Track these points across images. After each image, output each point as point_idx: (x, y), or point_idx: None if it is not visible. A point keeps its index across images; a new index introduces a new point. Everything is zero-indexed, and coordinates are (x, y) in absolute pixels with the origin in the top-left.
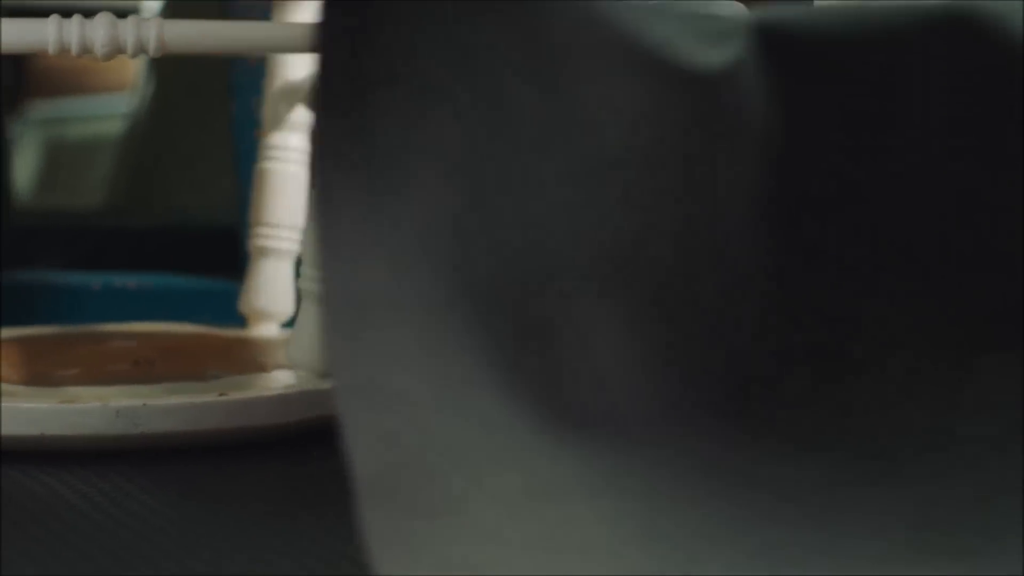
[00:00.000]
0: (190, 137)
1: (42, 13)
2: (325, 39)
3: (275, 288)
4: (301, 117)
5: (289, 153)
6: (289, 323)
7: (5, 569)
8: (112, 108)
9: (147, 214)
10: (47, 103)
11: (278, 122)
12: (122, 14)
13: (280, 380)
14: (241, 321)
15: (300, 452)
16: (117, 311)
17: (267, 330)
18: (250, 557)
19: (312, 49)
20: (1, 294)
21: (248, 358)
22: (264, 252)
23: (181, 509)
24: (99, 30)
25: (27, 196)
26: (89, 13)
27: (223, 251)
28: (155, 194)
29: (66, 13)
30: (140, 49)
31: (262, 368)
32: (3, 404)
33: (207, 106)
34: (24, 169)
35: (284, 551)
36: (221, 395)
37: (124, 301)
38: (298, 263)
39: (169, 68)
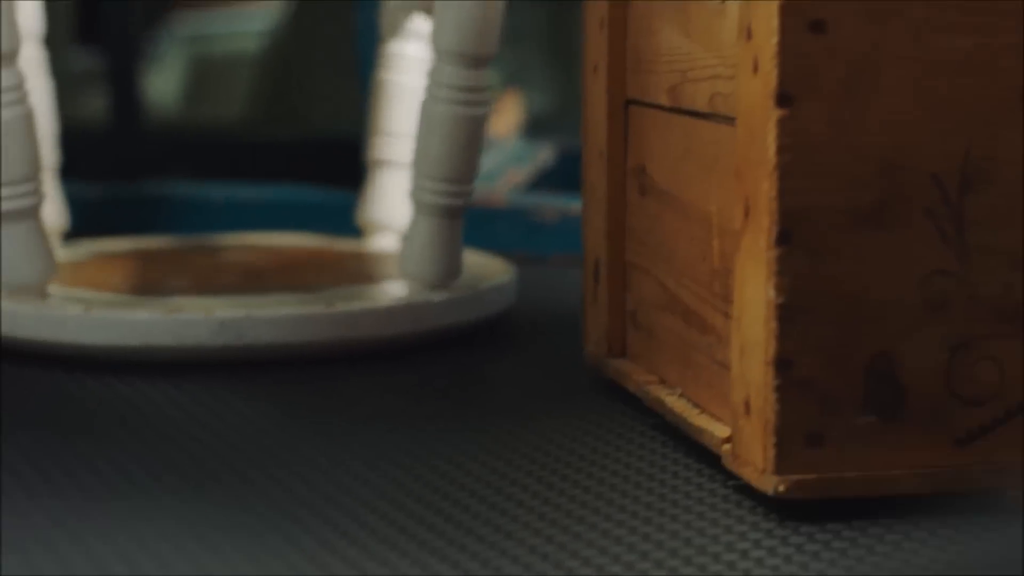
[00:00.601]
0: (322, 51)
1: None
2: None
3: (391, 199)
4: (419, 26)
5: (406, 62)
6: None
7: (104, 475)
8: (253, 24)
9: (279, 127)
10: (192, 19)
11: (396, 31)
12: None
13: (389, 292)
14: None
15: (406, 365)
16: (240, 222)
17: (383, 241)
18: (344, 470)
19: None
20: (129, 204)
21: (360, 270)
22: (381, 163)
23: (279, 421)
24: None
25: (168, 109)
26: None
27: (347, 163)
28: (288, 108)
29: None
30: None
31: (373, 280)
32: (109, 314)
33: (340, 19)
34: (167, 83)
35: (381, 465)
36: (328, 307)
37: (247, 212)
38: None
39: None
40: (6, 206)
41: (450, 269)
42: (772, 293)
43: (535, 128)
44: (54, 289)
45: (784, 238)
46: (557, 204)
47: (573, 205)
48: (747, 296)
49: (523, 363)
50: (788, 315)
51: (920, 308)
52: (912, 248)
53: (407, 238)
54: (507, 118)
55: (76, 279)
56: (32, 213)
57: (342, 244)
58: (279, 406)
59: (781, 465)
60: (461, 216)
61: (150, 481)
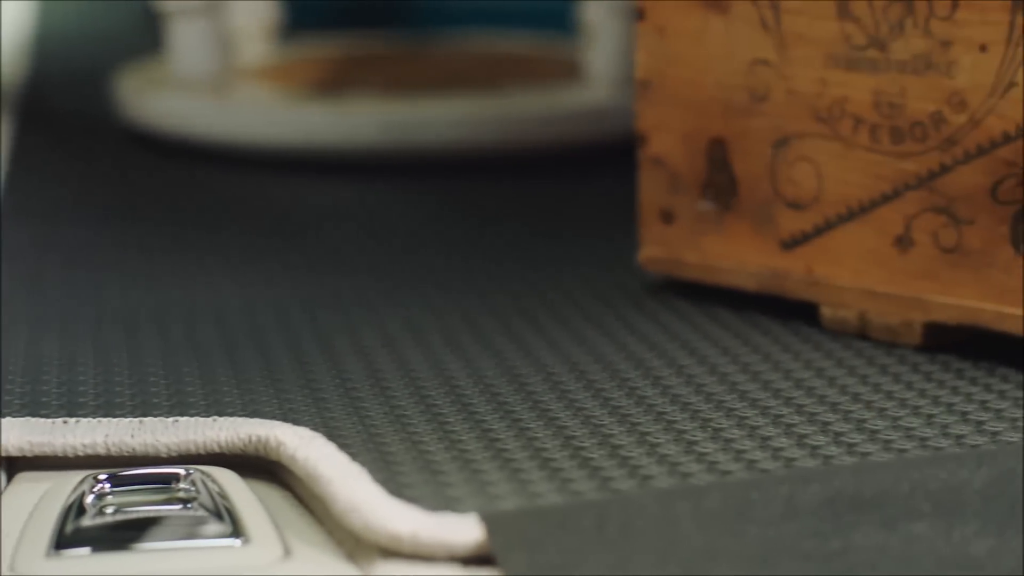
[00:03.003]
0: None
1: None
2: None
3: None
4: None
5: None
6: None
7: (300, 269)
8: None
9: None
10: None
11: None
12: None
13: (573, 96)
14: None
15: (582, 173)
16: (482, 24)
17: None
18: (485, 276)
19: None
20: (368, 8)
21: (565, 73)
22: None
23: (437, 222)
24: None
25: None
26: None
27: None
28: None
29: None
30: None
31: (570, 83)
32: (278, 111)
33: None
34: None
35: (516, 271)
36: (500, 108)
37: (488, 15)
38: None
39: None
40: (176, 6)
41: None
42: (636, 69)
43: None
44: (238, 87)
45: (640, 14)
46: None
47: None
48: None
49: None
50: (644, 92)
51: (747, 97)
52: (740, 34)
53: (595, 39)
54: None
55: (268, 77)
56: (202, 12)
57: (561, 47)
58: (442, 207)
59: (644, 237)
60: None
61: (305, 275)
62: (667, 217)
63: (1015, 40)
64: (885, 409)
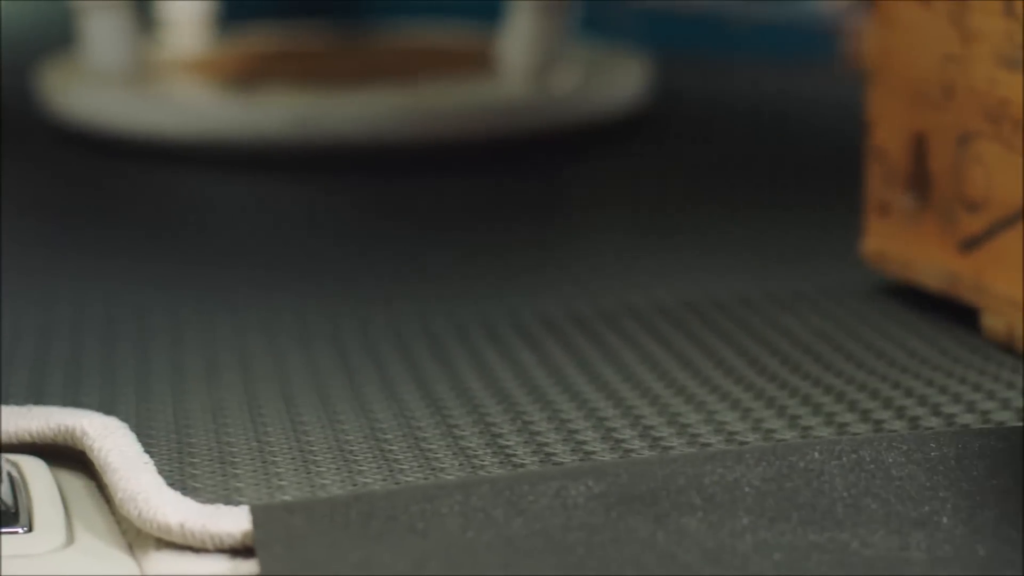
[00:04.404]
0: None
1: None
2: None
3: None
4: None
5: None
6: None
7: (158, 257)
8: None
9: None
10: None
11: None
12: None
13: (486, 90)
14: None
15: (487, 168)
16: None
17: None
18: (387, 276)
19: None
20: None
21: (487, 65)
22: None
23: (341, 217)
24: None
25: None
26: None
27: None
28: None
29: None
30: None
31: (488, 75)
32: (188, 106)
33: None
34: None
35: (424, 274)
36: (409, 101)
37: (417, 5)
38: None
39: None
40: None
41: (548, 65)
42: (866, 58)
43: None
44: (156, 81)
45: (871, 4)
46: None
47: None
48: None
49: (619, 173)
50: (872, 81)
51: (939, 93)
52: (934, 28)
53: (511, 32)
54: None
55: (195, 70)
56: (113, 7)
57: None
58: (342, 201)
59: (867, 229)
60: (564, 10)
61: (189, 261)
62: (884, 210)
63: None
64: (705, 403)
